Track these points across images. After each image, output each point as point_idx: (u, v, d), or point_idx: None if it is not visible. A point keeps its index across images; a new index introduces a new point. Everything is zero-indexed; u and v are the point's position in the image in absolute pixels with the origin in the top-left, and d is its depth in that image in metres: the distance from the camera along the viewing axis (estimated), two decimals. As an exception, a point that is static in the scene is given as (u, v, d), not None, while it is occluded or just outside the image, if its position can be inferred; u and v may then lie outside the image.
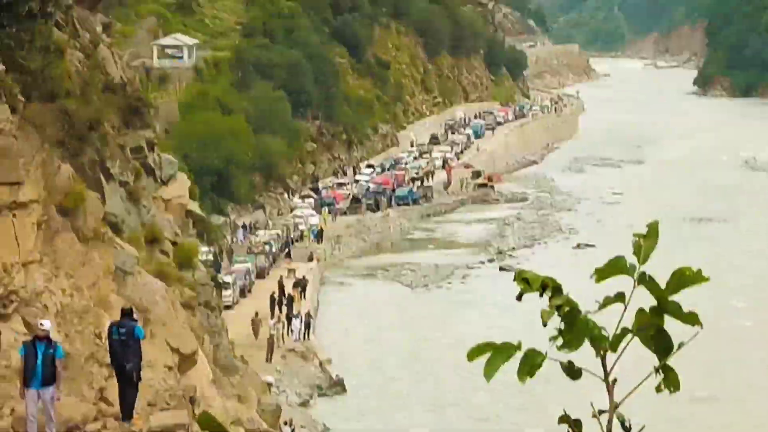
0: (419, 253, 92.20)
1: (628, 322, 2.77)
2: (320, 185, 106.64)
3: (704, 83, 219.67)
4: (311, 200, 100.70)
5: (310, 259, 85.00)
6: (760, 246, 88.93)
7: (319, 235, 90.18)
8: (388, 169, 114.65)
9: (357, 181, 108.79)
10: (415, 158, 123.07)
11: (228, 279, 70.28)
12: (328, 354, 67.16)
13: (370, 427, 57.94)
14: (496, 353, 2.76)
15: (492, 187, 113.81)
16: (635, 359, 2.92)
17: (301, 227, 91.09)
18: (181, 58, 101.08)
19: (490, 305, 69.14)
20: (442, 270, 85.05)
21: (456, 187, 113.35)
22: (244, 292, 74.01)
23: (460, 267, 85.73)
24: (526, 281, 2.83)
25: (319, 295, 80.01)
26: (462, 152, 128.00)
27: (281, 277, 75.94)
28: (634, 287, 2.79)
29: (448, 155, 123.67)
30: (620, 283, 2.81)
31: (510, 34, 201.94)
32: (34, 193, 28.14)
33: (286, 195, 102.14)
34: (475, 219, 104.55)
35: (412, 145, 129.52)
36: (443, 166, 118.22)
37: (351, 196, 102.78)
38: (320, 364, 66.48)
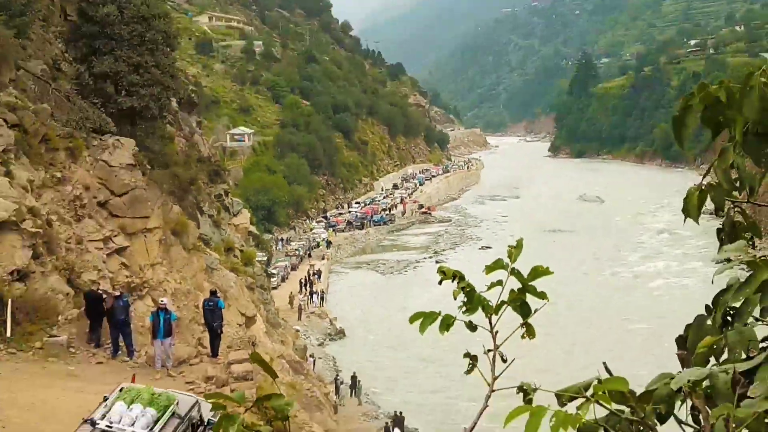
0: (387, 254, 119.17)
1: (505, 297, 3.47)
2: (328, 215, 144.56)
3: (555, 150, 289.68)
4: (323, 223, 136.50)
5: (323, 258, 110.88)
6: (588, 247, 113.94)
7: (328, 244, 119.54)
8: (368, 204, 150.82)
9: (350, 212, 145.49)
10: (384, 197, 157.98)
11: (274, 271, 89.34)
12: (334, 314, 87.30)
13: (361, 357, 74.62)
14: (426, 318, 3.57)
15: (430, 213, 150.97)
16: (509, 320, 3.56)
17: (317, 239, 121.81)
18: (243, 141, 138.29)
19: (429, 284, 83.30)
20: (401, 263, 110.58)
21: (408, 214, 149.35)
22: (284, 279, 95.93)
23: (412, 261, 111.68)
24: (443, 273, 3.58)
25: (329, 280, 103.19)
26: (412, 194, 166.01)
27: (308, 268, 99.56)
28: (508, 277, 3.47)
29: (403, 195, 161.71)
30: (500, 274, 3.50)
31: (439, 123, 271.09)
32: (157, 223, 34.45)
33: (307, 221, 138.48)
34: (420, 232, 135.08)
35: (381, 190, 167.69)
36: (401, 202, 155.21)
37: (346, 221, 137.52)
38: (330, 321, 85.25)
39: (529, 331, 3.57)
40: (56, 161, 32.00)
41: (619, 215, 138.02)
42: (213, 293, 29.83)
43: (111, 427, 17.06)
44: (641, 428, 2.99)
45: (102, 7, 37.90)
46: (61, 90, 34.75)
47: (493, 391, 3.30)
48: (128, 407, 17.69)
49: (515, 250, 3.57)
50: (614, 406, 2.90)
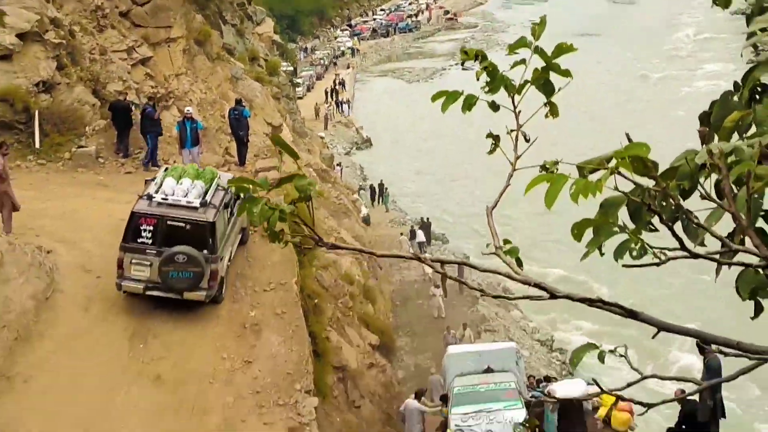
0: (413, 61, 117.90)
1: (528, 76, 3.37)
2: (353, 22, 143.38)
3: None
4: (347, 31, 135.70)
5: (348, 67, 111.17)
6: (618, 50, 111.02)
7: (353, 53, 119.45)
8: (393, 11, 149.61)
9: (375, 19, 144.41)
10: (409, 3, 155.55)
11: (299, 80, 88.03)
12: (361, 123, 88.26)
13: (387, 165, 75.48)
14: (448, 97, 3.52)
15: (456, 19, 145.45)
16: (533, 101, 3.52)
17: (341, 48, 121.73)
18: None
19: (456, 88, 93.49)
20: (427, 71, 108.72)
21: (434, 20, 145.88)
22: (309, 89, 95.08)
23: (438, 69, 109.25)
24: (465, 53, 3.50)
25: (354, 89, 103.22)
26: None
27: (334, 77, 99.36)
28: (531, 55, 3.37)
29: (429, 1, 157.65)
30: (524, 53, 3.40)
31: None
32: (180, 32, 34.29)
33: (331, 29, 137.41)
34: (446, 39, 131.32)
35: None
36: (426, 8, 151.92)
37: (372, 29, 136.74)
38: (356, 129, 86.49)
39: (553, 110, 3.48)
40: (76, -29, 31.22)
41: (652, 17, 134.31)
42: (238, 102, 29.74)
43: (167, 199, 19.05)
44: (664, 203, 2.97)
45: None
46: None
47: (515, 169, 3.26)
48: (177, 182, 19.56)
49: (539, 27, 3.45)
50: (637, 179, 2.85)
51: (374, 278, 40.87)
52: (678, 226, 3.02)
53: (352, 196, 55.99)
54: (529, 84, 3.40)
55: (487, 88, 3.43)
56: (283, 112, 46.98)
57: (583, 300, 3.01)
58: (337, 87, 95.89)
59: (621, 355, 3.15)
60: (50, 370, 16.73)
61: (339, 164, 67.59)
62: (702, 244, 3.00)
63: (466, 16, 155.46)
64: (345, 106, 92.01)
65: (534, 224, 53.66)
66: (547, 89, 3.43)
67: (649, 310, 3.07)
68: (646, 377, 3.06)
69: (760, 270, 2.87)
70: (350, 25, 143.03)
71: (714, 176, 2.97)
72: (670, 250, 2.86)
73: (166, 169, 20.98)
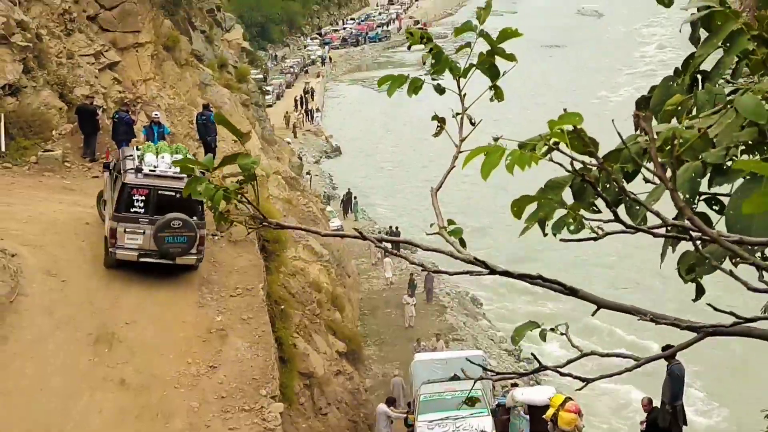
0: (383, 71, 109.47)
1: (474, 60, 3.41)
2: (323, 31, 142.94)
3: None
4: (317, 40, 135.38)
5: (318, 75, 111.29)
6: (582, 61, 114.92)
7: (323, 62, 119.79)
8: (363, 21, 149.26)
9: (345, 28, 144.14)
10: (379, 13, 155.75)
11: (269, 88, 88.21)
12: (330, 132, 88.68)
13: (356, 173, 76.45)
14: (394, 80, 3.67)
15: (425, 29, 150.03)
16: (479, 84, 3.54)
17: (312, 57, 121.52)
18: None
19: (425, 100, 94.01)
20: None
21: (404, 30, 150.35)
22: (279, 97, 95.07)
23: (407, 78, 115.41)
24: (411, 34, 3.66)
25: (324, 97, 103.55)
26: (407, 9, 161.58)
27: (304, 86, 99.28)
28: (476, 38, 3.44)
29: (399, 11, 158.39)
30: (470, 36, 3.46)
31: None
32: (148, 38, 34.20)
33: (301, 38, 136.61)
34: (416, 49, 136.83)
35: (377, 6, 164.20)
36: (396, 18, 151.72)
37: (342, 38, 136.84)
38: (326, 138, 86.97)
39: (498, 94, 3.52)
40: (43, -26, 31.23)
41: (616, 28, 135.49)
42: (206, 107, 29.80)
43: (154, 171, 20.27)
44: (608, 185, 3.01)
45: None
46: None
47: (460, 152, 3.29)
48: (157, 157, 20.60)
49: (484, 11, 3.51)
50: (577, 157, 2.89)
51: (342, 286, 40.75)
52: (621, 210, 3.06)
53: (320, 204, 55.81)
54: (474, 67, 3.45)
55: (432, 70, 3.49)
56: (252, 119, 46.88)
57: (522, 276, 3.04)
58: (306, 95, 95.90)
59: (562, 333, 3.18)
60: (13, 374, 16.61)
61: (308, 173, 67.87)
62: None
63: (436, 27, 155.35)
64: (315, 115, 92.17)
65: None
66: (493, 73, 3.45)
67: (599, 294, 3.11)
68: (585, 354, 3.10)
69: (699, 249, 2.92)
70: (320, 34, 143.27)
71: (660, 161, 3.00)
72: (605, 222, 2.90)
73: (137, 148, 21.93)
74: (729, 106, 2.96)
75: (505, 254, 48.96)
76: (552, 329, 3.23)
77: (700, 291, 3.20)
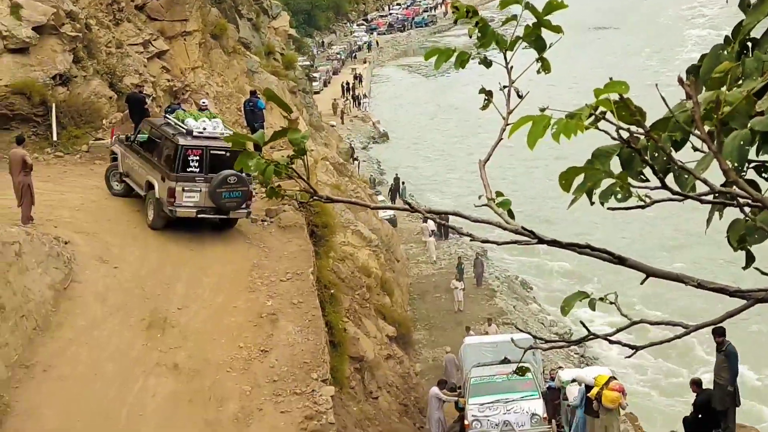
0: None
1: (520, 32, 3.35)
2: (369, 17, 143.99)
3: None
4: (364, 26, 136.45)
5: (364, 62, 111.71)
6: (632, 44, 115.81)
7: (369, 47, 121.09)
8: (409, 6, 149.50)
9: (391, 14, 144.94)
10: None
11: (315, 75, 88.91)
12: (378, 117, 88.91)
13: (404, 159, 76.37)
14: (441, 54, 3.66)
15: None
16: (526, 57, 3.51)
17: (358, 43, 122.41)
18: None
19: (472, 85, 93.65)
20: (443, 65, 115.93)
21: (450, 14, 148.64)
22: (326, 83, 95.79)
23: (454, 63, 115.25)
24: (455, 8, 3.58)
25: (371, 83, 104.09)
26: None
27: (351, 72, 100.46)
28: (522, 11, 3.40)
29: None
30: (516, 9, 3.38)
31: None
32: (196, 26, 34.78)
33: (348, 24, 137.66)
34: (462, 33, 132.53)
35: None
36: (442, 2, 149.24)
37: (388, 23, 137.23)
38: (373, 124, 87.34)
39: (545, 66, 3.48)
40: (90, -36, 31.61)
41: (663, 10, 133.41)
42: (253, 93, 29.88)
43: (202, 133, 21.85)
44: (656, 154, 3.01)
45: None
46: None
47: (507, 124, 3.30)
48: (197, 121, 22.11)
49: (529, -23, 3.42)
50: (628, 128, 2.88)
51: (391, 271, 40.84)
52: (670, 178, 3.06)
53: (368, 189, 55.92)
54: (520, 40, 3.41)
55: (478, 43, 3.45)
56: (299, 106, 47.52)
57: (570, 246, 3.05)
58: (353, 82, 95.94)
59: (611, 302, 3.19)
60: (69, 359, 16.84)
61: (356, 158, 68.20)
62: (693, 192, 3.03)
63: (483, 11, 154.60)
64: (362, 101, 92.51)
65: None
66: (539, 45, 3.43)
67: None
68: (635, 322, 3.11)
69: (749, 216, 2.91)
70: (366, 20, 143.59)
71: (707, 128, 3.00)
72: (651, 189, 2.90)
73: (175, 113, 23.37)
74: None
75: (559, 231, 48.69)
76: (601, 299, 3.24)
77: (750, 259, 3.19)
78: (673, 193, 2.89)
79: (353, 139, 79.65)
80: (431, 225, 50.54)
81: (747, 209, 2.86)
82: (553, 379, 27.61)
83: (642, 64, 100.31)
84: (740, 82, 3.12)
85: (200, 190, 21.57)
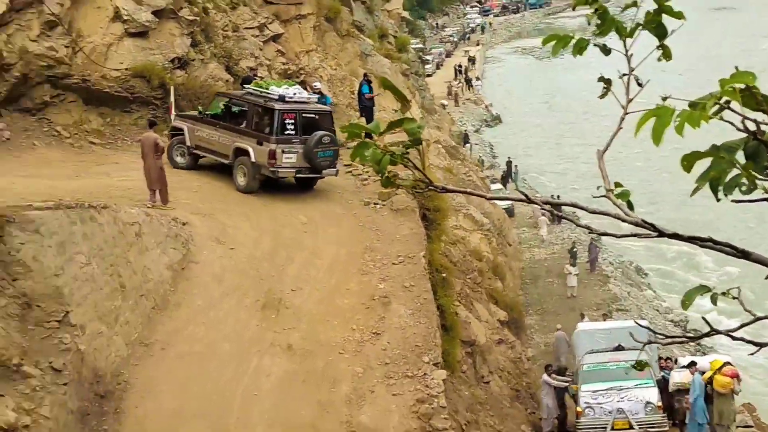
0: (542, 37, 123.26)
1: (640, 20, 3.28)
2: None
3: None
4: (477, 8, 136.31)
5: (477, 44, 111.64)
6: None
7: (482, 29, 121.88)
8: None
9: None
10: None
11: (428, 58, 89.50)
12: (490, 100, 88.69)
13: (517, 142, 76.69)
14: (558, 40, 3.54)
15: None
16: (645, 45, 3.49)
17: (471, 25, 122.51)
18: None
19: (587, 68, 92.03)
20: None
21: None
22: (439, 66, 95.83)
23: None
24: None
25: (484, 65, 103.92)
26: None
27: (463, 54, 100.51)
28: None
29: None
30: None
31: None
32: (310, 9, 35.60)
33: (461, 6, 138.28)
34: (578, 14, 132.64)
35: None
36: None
37: (501, 5, 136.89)
38: (486, 107, 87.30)
39: (666, 53, 3.39)
40: (209, -52, 32.14)
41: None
42: (366, 77, 30.48)
43: (292, 98, 23.53)
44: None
45: None
46: None
47: (627, 113, 3.24)
48: (283, 88, 23.87)
49: (650, -34, 3.34)
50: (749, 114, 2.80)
51: (503, 255, 40.61)
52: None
53: (481, 173, 55.70)
54: (641, 27, 3.33)
55: (597, 31, 3.38)
56: (412, 88, 47.30)
57: (692, 239, 2.98)
58: (466, 64, 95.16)
59: (734, 297, 3.11)
60: (186, 338, 17.21)
61: (468, 141, 67.88)
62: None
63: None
64: (474, 83, 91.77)
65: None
66: (660, 32, 3.34)
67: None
68: (759, 318, 3.02)
69: None
70: (480, 2, 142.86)
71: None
72: (779, 182, 2.80)
73: (247, 82, 25.47)
74: None
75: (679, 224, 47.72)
76: (723, 293, 3.17)
77: None
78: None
79: (465, 121, 79.26)
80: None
81: None
82: (669, 368, 27.10)
83: (764, 48, 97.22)
84: None
85: (297, 151, 23.15)
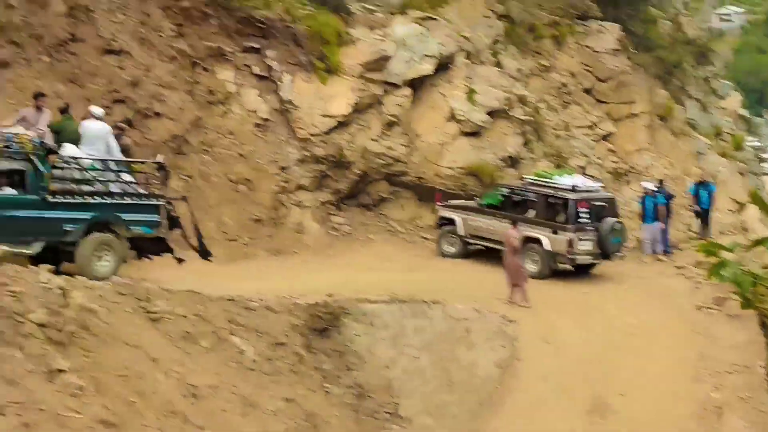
0: None
1: None
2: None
3: None
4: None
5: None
6: None
7: None
8: None
9: None
10: None
11: (766, 155, 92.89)
12: None
13: None
14: None
15: None
16: None
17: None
18: (732, 21, 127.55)
19: None
20: None
21: None
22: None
23: None
24: None
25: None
26: None
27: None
28: None
29: None
30: None
31: None
32: (643, 107, 35.00)
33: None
34: None
35: None
36: None
37: None
38: None
39: None
40: (542, 49, 33.03)
41: None
42: (701, 177, 30.31)
43: (580, 188, 24.69)
44: None
45: None
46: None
47: None
48: (562, 177, 25.09)
49: None
50: None
51: None
52: None
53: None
54: None
55: None
56: (749, 188, 45.18)
57: None
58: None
59: None
60: (508, 436, 17.19)
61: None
62: None
63: None
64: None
65: None
66: None
67: None
68: None
69: None
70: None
71: None
72: None
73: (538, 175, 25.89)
74: None
75: None
76: None
77: None
78: None
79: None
80: None
81: None
82: None
83: None
84: None
85: (591, 239, 24.17)
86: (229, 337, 14.81)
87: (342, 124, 26.31)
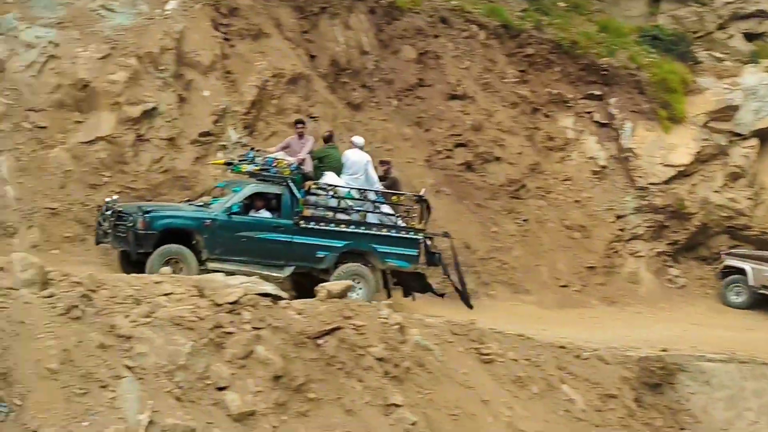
0: None
1: None
2: None
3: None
4: None
5: None
6: None
7: None
8: None
9: None
10: None
11: None
12: None
13: None
14: None
15: None
16: None
17: None
18: None
19: None
20: None
21: None
22: None
23: None
24: None
25: None
26: None
27: None
28: None
29: None
30: None
31: None
32: None
33: None
34: None
35: None
36: None
37: None
38: None
39: None
40: None
41: None
42: None
43: None
44: None
45: None
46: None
47: None
48: None
49: None
50: None
51: None
52: None
53: None
54: None
55: None
56: None
57: None
58: None
59: None
60: None
61: None
62: None
63: None
64: None
65: None
66: None
67: None
68: None
69: None
70: None
71: None
72: None
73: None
74: None
75: None
76: None
77: None
78: None
79: None
80: None
81: None
82: None
83: None
84: None
85: None
86: (559, 384, 14.75)
87: (683, 174, 25.75)
